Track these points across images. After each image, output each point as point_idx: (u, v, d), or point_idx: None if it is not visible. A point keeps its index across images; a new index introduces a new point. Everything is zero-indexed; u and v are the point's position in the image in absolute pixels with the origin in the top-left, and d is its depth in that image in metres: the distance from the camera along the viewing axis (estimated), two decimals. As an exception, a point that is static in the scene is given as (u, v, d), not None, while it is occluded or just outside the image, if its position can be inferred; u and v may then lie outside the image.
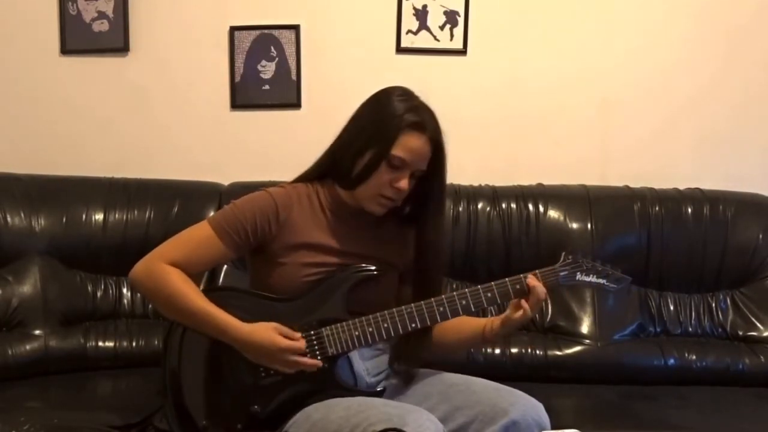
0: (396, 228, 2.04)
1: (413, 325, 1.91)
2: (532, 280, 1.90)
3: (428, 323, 1.92)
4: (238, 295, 2.00)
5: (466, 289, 1.92)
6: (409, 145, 1.88)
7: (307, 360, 1.85)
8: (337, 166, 1.96)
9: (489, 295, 1.91)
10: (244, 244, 1.94)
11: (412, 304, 1.91)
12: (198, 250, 1.92)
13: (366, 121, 1.93)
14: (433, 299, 1.92)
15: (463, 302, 1.91)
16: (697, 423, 2.28)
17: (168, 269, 1.89)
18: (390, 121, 1.88)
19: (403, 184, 1.90)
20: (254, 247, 1.96)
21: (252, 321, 1.87)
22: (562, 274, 1.94)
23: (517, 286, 1.91)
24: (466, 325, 2.03)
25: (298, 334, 1.86)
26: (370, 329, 1.89)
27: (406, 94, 1.94)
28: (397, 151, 1.88)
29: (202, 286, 2.48)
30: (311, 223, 1.97)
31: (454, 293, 1.92)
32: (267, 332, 1.84)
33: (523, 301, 1.89)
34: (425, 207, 1.98)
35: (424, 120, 1.90)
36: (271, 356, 1.85)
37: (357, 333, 1.89)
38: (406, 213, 2.04)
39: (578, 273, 1.95)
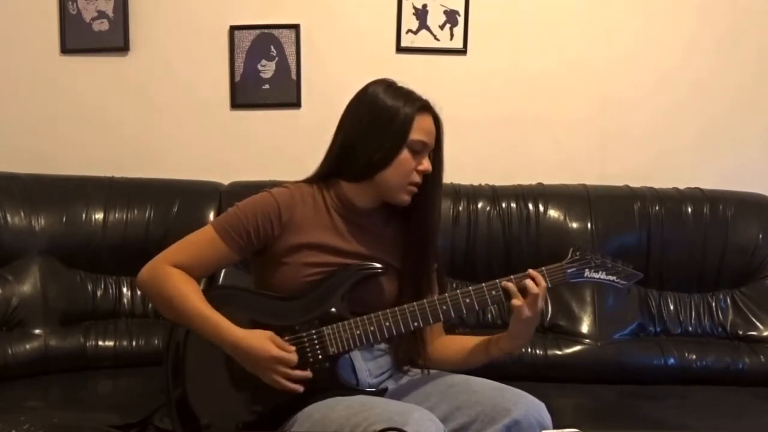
0: (400, 228, 2.04)
1: (416, 324, 1.90)
2: (532, 273, 1.88)
3: (431, 322, 1.91)
4: (240, 294, 2.01)
5: (470, 287, 1.91)
6: (423, 126, 1.93)
7: (295, 372, 1.82)
8: (348, 164, 1.95)
9: (494, 293, 1.90)
10: (248, 246, 1.94)
11: (415, 303, 1.90)
12: (202, 253, 1.93)
13: (370, 120, 1.94)
14: (436, 297, 1.92)
15: (467, 300, 1.90)
16: (697, 423, 2.28)
17: (171, 271, 1.90)
18: (398, 111, 1.91)
19: (427, 165, 1.94)
20: (258, 248, 1.96)
21: (254, 319, 1.87)
22: (569, 270, 1.92)
23: (521, 283, 1.90)
24: (467, 343, 2.02)
25: (292, 348, 1.84)
26: (372, 328, 1.89)
27: (392, 85, 1.98)
28: (416, 135, 1.92)
29: (202, 286, 2.49)
30: (315, 223, 1.96)
31: (458, 291, 1.91)
32: (261, 339, 1.82)
33: (514, 301, 1.86)
34: (430, 179, 1.98)
35: (425, 101, 1.96)
36: (260, 363, 1.82)
37: (359, 332, 1.89)
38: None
39: (587, 269, 1.93)
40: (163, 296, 1.90)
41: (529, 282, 1.86)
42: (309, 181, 2.03)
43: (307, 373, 1.84)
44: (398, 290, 1.99)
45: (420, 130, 1.92)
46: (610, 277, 1.95)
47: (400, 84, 1.98)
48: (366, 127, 1.94)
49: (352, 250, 1.96)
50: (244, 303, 1.92)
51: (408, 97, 1.94)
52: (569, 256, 1.93)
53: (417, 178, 1.94)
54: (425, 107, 1.94)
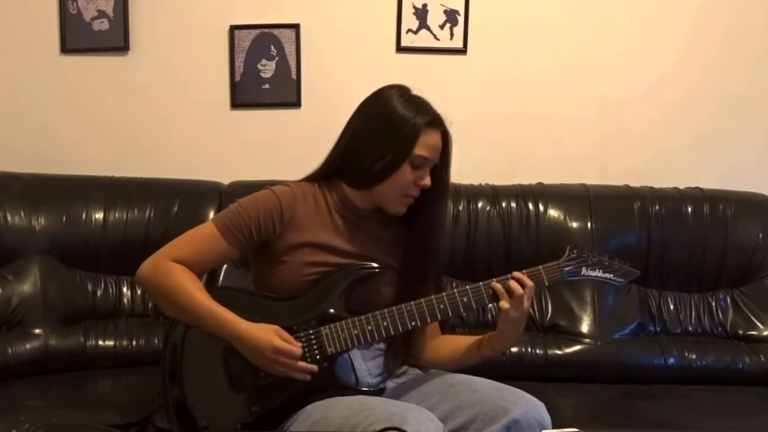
0: (401, 230, 2.03)
1: (413, 324, 1.90)
2: (516, 275, 1.88)
3: (428, 321, 1.92)
4: (237, 295, 2.00)
5: (467, 286, 1.91)
6: (429, 142, 1.92)
7: (300, 364, 1.84)
8: (350, 168, 1.96)
9: (490, 291, 1.90)
10: (249, 243, 1.95)
11: (412, 302, 1.90)
12: (203, 249, 1.94)
13: (377, 124, 1.93)
14: (433, 297, 1.92)
15: (464, 299, 1.90)
16: (697, 422, 2.29)
17: (174, 266, 1.90)
18: (407, 122, 1.90)
19: (427, 180, 1.93)
20: (258, 245, 1.96)
21: (252, 320, 1.87)
22: (566, 269, 1.92)
23: (506, 284, 1.89)
24: (461, 343, 2.03)
25: (298, 344, 1.86)
26: (369, 327, 1.89)
27: (406, 92, 1.96)
28: (420, 150, 1.90)
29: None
30: (315, 222, 1.97)
31: (455, 290, 1.91)
32: (267, 332, 1.84)
33: (502, 302, 1.86)
34: (435, 192, 1.97)
35: (436, 116, 1.94)
36: (264, 355, 1.83)
37: (356, 332, 1.89)
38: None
39: (584, 268, 1.93)
40: (165, 291, 1.91)
41: (513, 283, 1.87)
42: (310, 179, 2.03)
43: (313, 366, 1.85)
44: (396, 290, 1.99)
45: (425, 145, 1.91)
46: (607, 275, 1.95)
47: (415, 92, 1.96)
48: (373, 131, 1.93)
49: (351, 251, 1.96)
50: (241, 304, 1.91)
51: (419, 108, 1.92)
52: (566, 254, 1.93)
53: (414, 192, 1.93)
54: (434, 122, 1.92)
